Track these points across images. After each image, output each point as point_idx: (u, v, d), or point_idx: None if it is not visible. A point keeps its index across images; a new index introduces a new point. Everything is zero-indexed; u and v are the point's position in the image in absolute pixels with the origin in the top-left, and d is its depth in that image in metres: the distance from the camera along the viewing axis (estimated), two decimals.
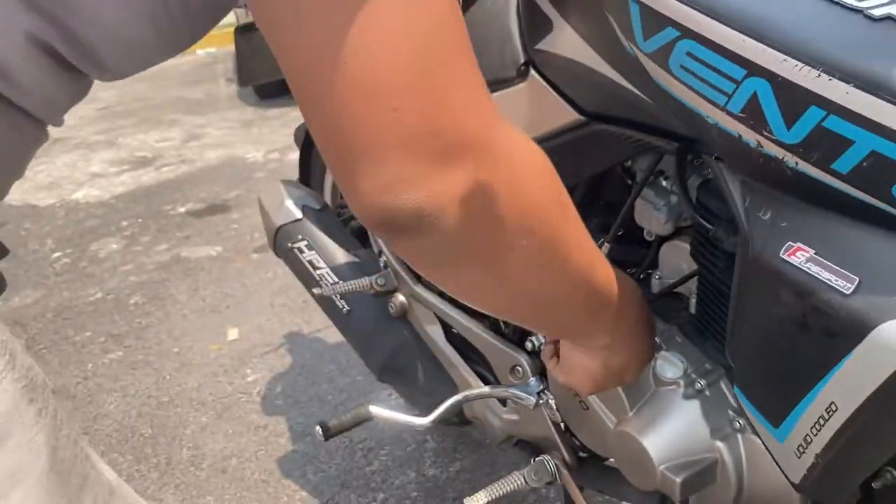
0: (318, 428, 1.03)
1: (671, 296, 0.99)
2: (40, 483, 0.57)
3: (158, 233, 3.21)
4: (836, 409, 0.58)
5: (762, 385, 0.66)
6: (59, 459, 0.60)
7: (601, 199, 1.02)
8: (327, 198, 1.67)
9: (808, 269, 0.56)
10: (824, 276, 0.55)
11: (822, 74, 0.50)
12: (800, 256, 0.57)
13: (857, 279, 0.53)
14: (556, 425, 1.09)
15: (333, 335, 2.22)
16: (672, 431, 0.89)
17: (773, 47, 0.51)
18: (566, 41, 0.82)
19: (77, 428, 0.68)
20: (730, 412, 0.88)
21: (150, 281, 2.79)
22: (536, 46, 0.90)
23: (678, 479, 0.86)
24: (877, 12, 0.49)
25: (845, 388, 0.56)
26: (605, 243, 0.96)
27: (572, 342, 0.79)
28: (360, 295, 1.29)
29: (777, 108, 0.53)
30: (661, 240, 0.97)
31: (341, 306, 1.31)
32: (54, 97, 0.57)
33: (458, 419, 1.45)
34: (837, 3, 0.50)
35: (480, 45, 0.98)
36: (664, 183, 0.92)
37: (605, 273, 0.67)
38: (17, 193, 3.91)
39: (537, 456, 1.13)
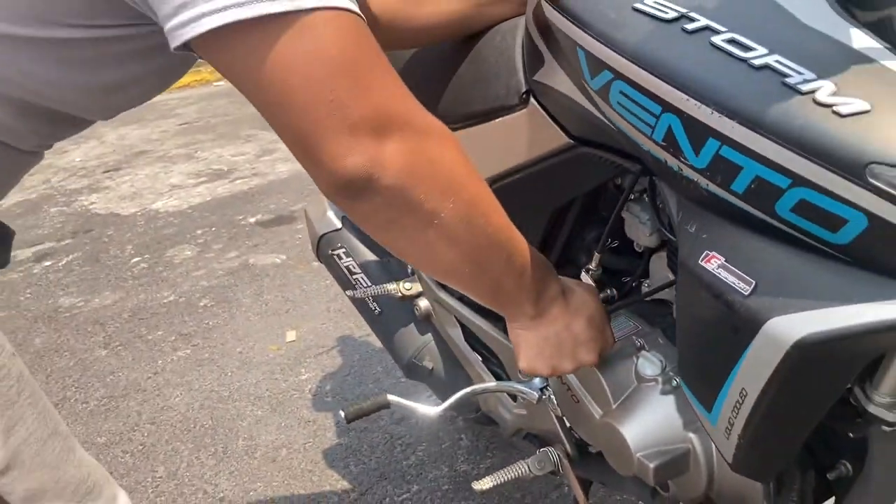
0: (341, 412, 1.16)
1: (658, 302, 1.09)
2: None
3: (229, 241, 3.42)
4: (747, 394, 0.68)
5: (696, 375, 0.76)
6: None
7: (597, 213, 1.12)
8: None
9: (719, 273, 0.66)
10: (730, 279, 0.65)
11: (714, 112, 0.60)
12: (713, 263, 0.67)
13: (754, 282, 0.63)
14: (559, 419, 1.20)
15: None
16: (649, 423, 0.99)
17: (678, 89, 0.62)
18: (553, 74, 0.93)
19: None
20: None
21: (219, 285, 2.99)
22: (534, 77, 1.01)
23: (651, 465, 0.96)
24: (757, 62, 0.59)
25: (750, 375, 0.66)
26: (597, 253, 1.06)
27: (508, 317, 0.90)
28: (389, 298, 1.42)
29: (686, 139, 0.64)
30: (651, 251, 1.07)
31: (374, 308, 1.44)
32: (52, 135, 0.76)
33: (486, 419, 1.57)
34: (728, 53, 0.61)
35: (491, 75, 1.11)
36: (647, 199, 1.02)
37: (521, 240, 0.82)
38: (102, 203, 4.21)
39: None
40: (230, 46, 0.59)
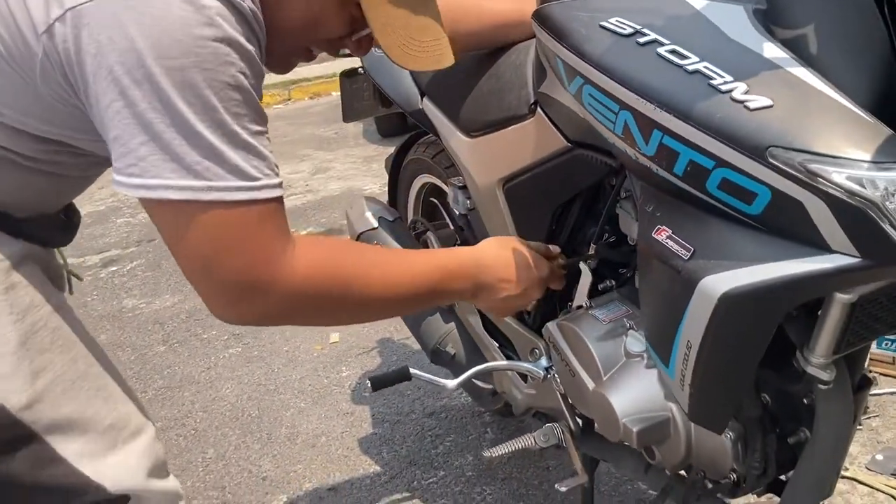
0: (368, 381, 1.32)
1: None
2: None
3: None
4: (692, 346, 0.82)
5: (655, 334, 0.90)
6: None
7: (595, 210, 1.26)
8: (410, 214, 1.99)
9: (667, 243, 0.80)
10: (675, 248, 0.79)
11: (657, 108, 0.75)
12: (663, 235, 0.81)
13: (693, 249, 0.78)
14: (564, 397, 1.34)
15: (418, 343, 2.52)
16: (634, 393, 1.12)
17: (631, 90, 0.77)
18: (553, 86, 1.09)
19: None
20: None
21: None
22: (539, 90, 1.17)
23: (635, 429, 1.09)
24: (690, 68, 0.74)
25: (692, 328, 0.80)
26: (592, 244, 1.20)
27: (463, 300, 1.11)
28: None
29: (638, 131, 0.78)
30: None
31: None
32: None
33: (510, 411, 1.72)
34: (669, 61, 0.75)
35: (506, 88, 1.27)
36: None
37: (425, 266, 1.00)
38: None
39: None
40: (143, 205, 0.79)
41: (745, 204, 0.72)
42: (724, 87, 0.71)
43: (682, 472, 1.22)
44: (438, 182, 1.82)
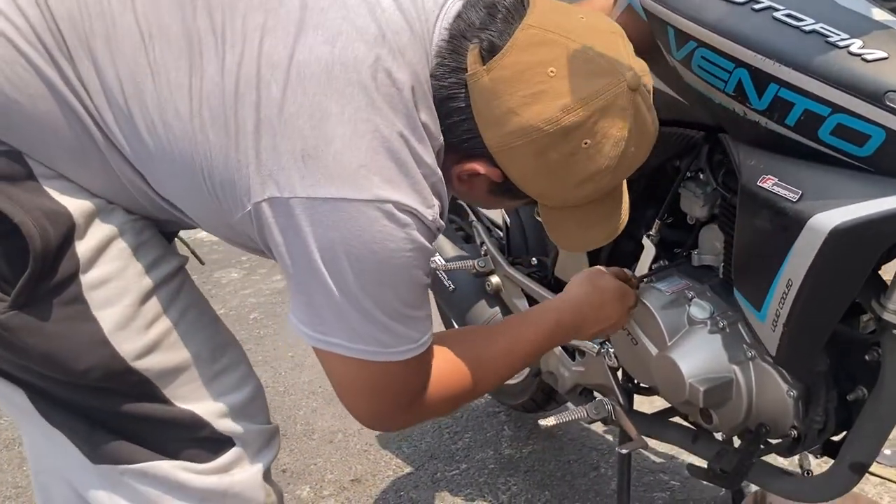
0: None
1: (705, 267, 1.31)
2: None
3: (274, 267, 3.63)
4: (792, 284, 0.90)
5: (749, 280, 0.99)
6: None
7: (655, 193, 1.35)
8: None
9: (773, 189, 0.89)
10: (782, 192, 0.88)
11: (776, 63, 0.85)
12: (769, 182, 0.90)
13: (801, 192, 0.87)
14: (613, 371, 1.41)
15: None
16: (699, 355, 1.20)
17: (749, 48, 0.87)
18: None
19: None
20: (744, 345, 1.19)
21: (267, 302, 3.20)
22: None
23: (702, 388, 1.17)
24: (807, 28, 0.84)
25: (795, 265, 0.88)
26: (658, 220, 1.28)
27: None
28: (463, 276, 1.65)
29: (752, 86, 0.88)
30: (701, 225, 1.30)
31: (448, 285, 1.67)
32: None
33: (531, 406, 1.78)
34: (786, 23, 0.85)
35: None
36: (702, 176, 1.25)
37: (535, 344, 1.11)
38: None
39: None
40: (313, 347, 0.89)
41: (857, 147, 0.82)
42: (841, 43, 0.82)
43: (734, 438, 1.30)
44: None
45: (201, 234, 4.29)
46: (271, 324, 2.98)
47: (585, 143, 0.84)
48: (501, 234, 1.78)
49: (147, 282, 0.91)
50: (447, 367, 0.99)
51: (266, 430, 1.04)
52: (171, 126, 0.83)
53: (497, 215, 1.88)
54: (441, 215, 0.88)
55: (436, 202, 0.86)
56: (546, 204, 0.96)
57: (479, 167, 0.89)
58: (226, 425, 0.97)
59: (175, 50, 0.83)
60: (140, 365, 0.90)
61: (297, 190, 0.79)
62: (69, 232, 0.85)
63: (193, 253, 1.14)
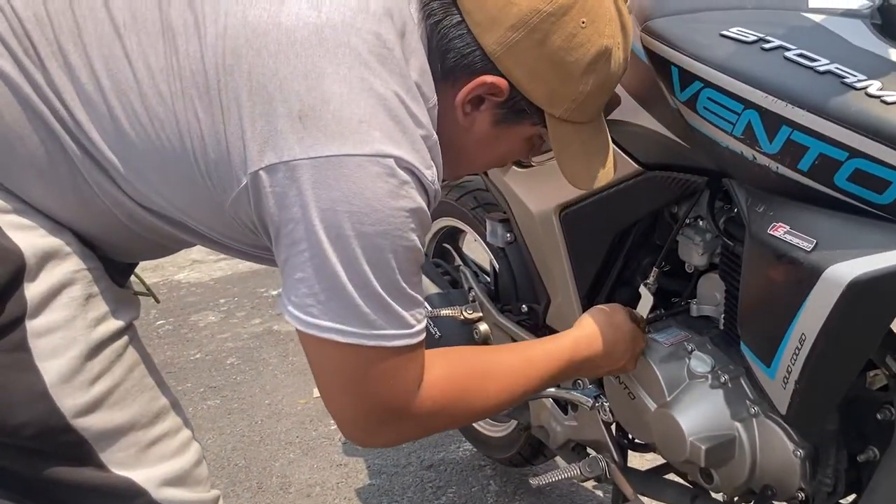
0: None
1: (704, 317, 1.26)
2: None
3: (252, 309, 3.56)
4: (806, 338, 0.84)
5: (758, 333, 0.93)
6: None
7: (651, 239, 1.30)
8: (430, 250, 2.01)
9: (785, 238, 0.84)
10: (795, 241, 0.83)
11: (788, 104, 0.80)
12: (780, 230, 0.85)
13: (815, 241, 0.82)
14: (608, 426, 1.34)
15: None
16: (700, 412, 1.14)
17: (759, 89, 0.82)
18: (629, 111, 1.14)
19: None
20: (747, 401, 1.13)
21: (244, 347, 3.11)
22: (608, 118, 1.22)
23: (703, 447, 1.11)
24: (821, 69, 0.80)
25: (810, 319, 0.83)
26: (655, 268, 1.23)
27: None
28: (450, 324, 1.58)
29: (763, 129, 0.83)
30: (700, 273, 1.25)
31: (434, 332, 1.60)
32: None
33: (518, 460, 1.71)
34: (798, 63, 0.81)
35: None
36: (701, 223, 1.20)
37: (545, 372, 1.08)
38: None
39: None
40: (301, 337, 0.85)
41: (876, 194, 0.77)
42: (858, 85, 0.77)
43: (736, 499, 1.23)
44: (459, 224, 1.85)
45: (178, 276, 4.23)
46: (248, 369, 2.89)
47: (583, 23, 0.86)
48: (489, 279, 1.72)
49: (95, 335, 0.85)
50: (448, 374, 0.95)
51: (207, 500, 0.98)
52: (156, 112, 0.80)
53: (485, 261, 1.83)
54: (437, 180, 0.87)
55: (433, 164, 0.85)
56: (553, 114, 0.93)
57: (484, 78, 0.89)
58: (164, 494, 0.91)
59: (152, 35, 0.80)
60: (79, 423, 0.84)
61: (296, 152, 0.77)
62: (19, 272, 0.79)
63: (148, 289, 1.07)
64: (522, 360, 1.08)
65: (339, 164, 0.78)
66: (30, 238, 0.81)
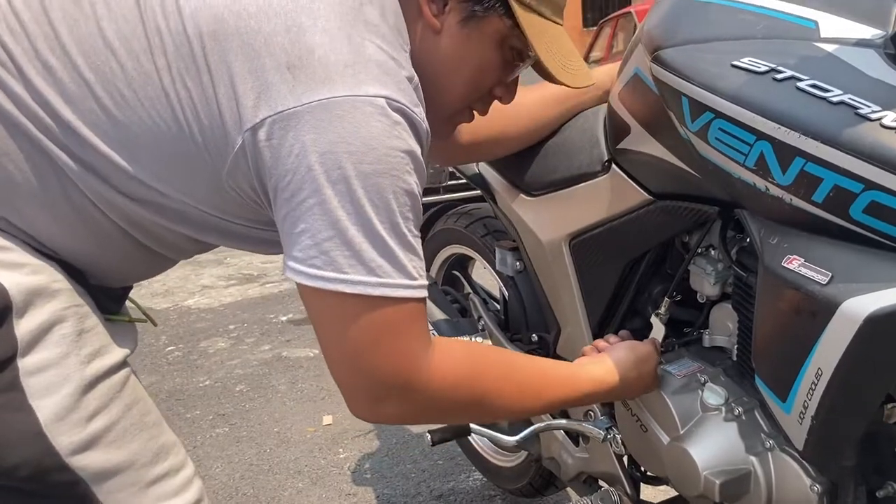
0: (427, 434, 1.28)
1: (717, 348, 1.24)
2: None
3: (262, 336, 3.55)
4: (822, 374, 0.82)
5: (773, 367, 0.91)
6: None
7: (663, 269, 1.29)
8: (439, 278, 2.00)
9: (800, 271, 0.82)
10: (810, 274, 0.81)
11: (802, 135, 0.79)
12: (794, 263, 0.83)
13: (831, 274, 0.80)
14: (620, 459, 1.32)
15: (418, 426, 2.47)
16: (714, 445, 1.12)
17: (771, 120, 0.81)
18: (639, 139, 1.13)
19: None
20: (762, 434, 1.11)
21: (254, 373, 3.10)
22: (617, 146, 1.21)
23: (717, 482, 1.08)
24: (834, 99, 0.78)
25: (826, 354, 0.81)
26: (667, 299, 1.22)
27: None
28: None
29: (776, 160, 0.82)
30: (712, 303, 1.23)
31: None
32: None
33: (530, 491, 1.68)
34: (811, 94, 0.80)
35: (575, 149, 1.31)
36: (713, 253, 1.19)
37: (563, 391, 1.08)
38: (136, 297, 4.35)
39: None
40: (300, 290, 0.85)
41: (893, 226, 0.75)
42: (873, 116, 0.76)
43: None
44: (469, 251, 1.84)
45: (188, 302, 4.23)
46: (257, 397, 2.88)
47: None
48: (499, 306, 1.70)
49: (90, 372, 0.85)
50: (465, 356, 0.95)
51: None
52: (146, 92, 0.81)
53: (495, 287, 1.81)
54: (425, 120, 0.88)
55: (419, 104, 0.86)
56: None
57: None
58: None
59: (130, 20, 0.81)
60: (76, 462, 0.83)
61: (288, 101, 0.78)
62: (5, 311, 0.79)
63: (144, 314, 1.06)
64: (537, 373, 1.06)
65: (333, 106, 0.78)
66: (15, 277, 0.81)
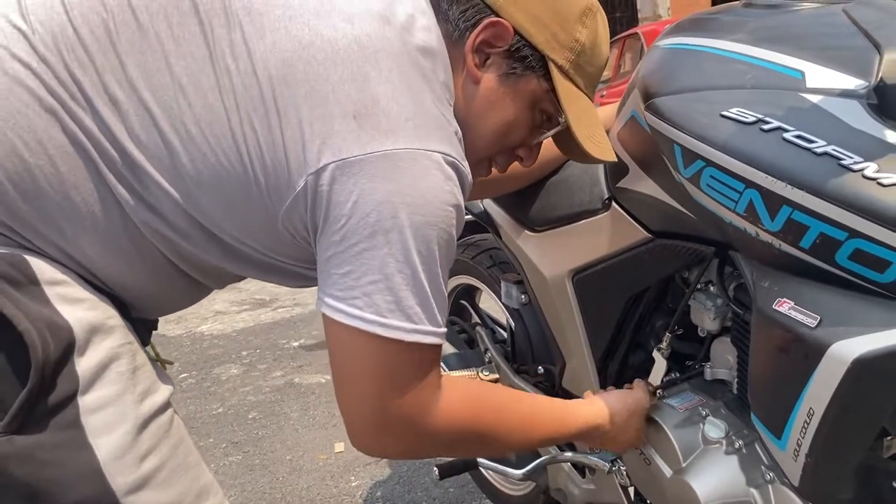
0: (435, 468, 1.31)
1: (719, 381, 1.26)
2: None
3: (274, 362, 3.59)
4: (814, 413, 0.85)
5: (767, 405, 0.93)
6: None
7: (664, 303, 1.32)
8: None
9: (790, 314, 0.85)
10: (800, 317, 0.84)
11: (788, 185, 0.82)
12: (785, 306, 0.86)
13: (819, 317, 0.83)
14: (625, 490, 1.34)
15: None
16: (715, 478, 1.14)
17: (759, 169, 0.84)
18: (637, 179, 1.16)
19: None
20: (762, 467, 1.13)
21: (266, 400, 3.14)
22: (617, 185, 1.24)
23: None
24: (819, 150, 0.81)
25: (817, 394, 0.84)
26: (668, 333, 1.24)
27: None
28: None
29: (765, 208, 0.85)
30: (713, 337, 1.26)
31: None
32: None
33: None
34: (797, 145, 0.83)
35: (575, 187, 1.34)
36: (712, 289, 1.21)
37: (557, 429, 1.12)
38: None
39: None
40: (329, 327, 0.87)
41: (877, 273, 0.78)
42: (855, 167, 0.79)
43: None
44: (475, 282, 1.87)
45: (201, 328, 4.28)
46: (270, 424, 2.91)
47: None
48: (506, 335, 1.73)
49: (143, 410, 0.86)
50: (459, 397, 0.97)
51: None
52: (212, 130, 0.83)
53: (503, 316, 1.84)
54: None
55: (466, 160, 0.90)
56: (556, 60, 1.00)
57: (490, 19, 0.96)
58: None
59: (199, 59, 0.83)
60: (129, 501, 0.84)
61: (353, 149, 0.81)
62: (69, 348, 0.81)
63: (158, 357, 1.09)
64: (535, 414, 1.10)
65: (395, 158, 0.82)
66: (77, 312, 0.82)
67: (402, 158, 0.82)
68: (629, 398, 1.21)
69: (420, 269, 0.84)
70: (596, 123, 1.06)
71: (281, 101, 0.83)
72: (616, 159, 1.09)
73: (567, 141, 1.06)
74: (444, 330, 0.89)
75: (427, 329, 0.86)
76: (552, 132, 1.06)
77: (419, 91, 0.86)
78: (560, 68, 1.00)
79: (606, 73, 10.55)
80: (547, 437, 1.12)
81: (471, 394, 1.00)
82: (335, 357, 0.89)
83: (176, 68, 0.83)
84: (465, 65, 0.98)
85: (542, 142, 1.11)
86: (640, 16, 13.37)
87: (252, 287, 5.11)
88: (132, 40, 0.83)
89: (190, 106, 0.83)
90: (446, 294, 0.90)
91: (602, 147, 1.05)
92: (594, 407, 1.18)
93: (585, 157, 1.05)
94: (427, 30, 0.91)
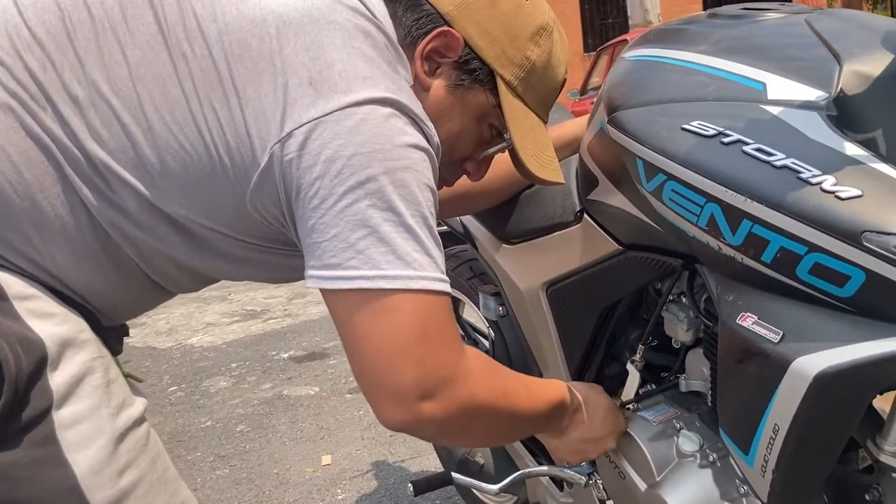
0: (409, 485, 1.30)
1: (694, 393, 1.25)
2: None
3: (263, 374, 3.57)
4: (779, 429, 0.84)
5: (734, 421, 0.92)
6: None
7: (638, 314, 1.31)
8: None
9: (753, 328, 0.84)
10: (763, 332, 0.83)
11: (748, 199, 0.81)
12: (748, 321, 0.85)
13: (781, 332, 0.82)
14: (603, 503, 1.33)
15: (416, 465, 2.48)
16: (689, 492, 1.13)
17: (719, 183, 0.84)
18: (607, 192, 1.15)
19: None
20: (736, 480, 1.12)
21: (254, 413, 3.12)
22: (588, 197, 1.24)
23: None
24: (778, 164, 0.81)
25: (781, 410, 0.83)
26: (641, 345, 1.23)
27: (549, 435, 1.19)
28: None
29: (725, 222, 0.84)
30: (687, 348, 1.25)
31: None
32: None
33: None
34: (756, 158, 0.82)
35: (548, 199, 1.33)
36: (684, 300, 1.21)
37: (543, 401, 1.09)
38: (140, 337, 4.39)
39: None
40: (333, 301, 0.85)
41: (837, 287, 0.77)
42: (813, 180, 0.78)
43: None
44: (457, 293, 1.86)
45: (191, 340, 4.26)
46: (258, 437, 2.89)
47: None
48: (488, 345, 1.72)
49: (119, 423, 0.85)
50: (482, 362, 0.95)
51: None
52: (174, 116, 0.83)
53: (484, 327, 1.83)
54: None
55: (428, 123, 0.90)
56: (504, 76, 1.00)
57: (442, 28, 0.97)
58: None
59: (155, 47, 0.84)
60: None
61: (311, 112, 0.82)
62: (42, 363, 0.79)
63: (127, 373, 1.07)
64: (534, 384, 1.10)
65: (355, 112, 0.82)
66: (48, 327, 0.81)
67: (362, 110, 0.82)
68: (603, 394, 1.21)
69: (406, 214, 0.83)
70: (544, 143, 1.06)
71: (238, 80, 0.83)
72: (563, 182, 1.09)
73: (518, 159, 1.05)
74: (447, 279, 0.87)
75: (431, 275, 0.84)
76: (497, 148, 1.06)
77: (374, 59, 0.87)
78: (508, 84, 1.00)
79: (597, 80, 10.57)
80: (543, 411, 1.08)
81: (491, 362, 0.99)
82: (346, 330, 0.85)
83: (132, 59, 0.83)
84: (415, 70, 0.98)
85: (490, 158, 1.10)
86: (630, 22, 13.40)
87: (243, 298, 5.10)
88: (88, 37, 0.83)
89: (150, 94, 0.83)
90: (436, 237, 0.87)
91: (548, 168, 1.04)
92: (565, 386, 1.17)
93: (530, 177, 1.04)
94: (381, 14, 0.92)
